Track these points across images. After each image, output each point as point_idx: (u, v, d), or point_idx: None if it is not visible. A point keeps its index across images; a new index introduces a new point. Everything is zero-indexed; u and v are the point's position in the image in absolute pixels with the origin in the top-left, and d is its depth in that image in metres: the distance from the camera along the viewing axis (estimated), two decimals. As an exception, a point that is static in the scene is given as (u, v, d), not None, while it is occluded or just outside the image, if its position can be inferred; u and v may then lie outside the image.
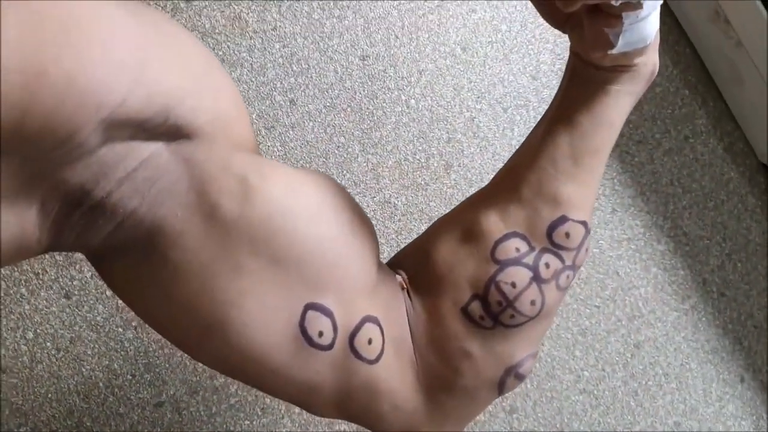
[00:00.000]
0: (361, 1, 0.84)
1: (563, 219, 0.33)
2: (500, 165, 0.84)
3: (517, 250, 0.33)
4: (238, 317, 0.30)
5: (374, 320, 0.33)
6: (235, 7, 0.80)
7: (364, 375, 0.33)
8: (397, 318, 0.35)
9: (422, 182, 0.84)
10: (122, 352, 0.77)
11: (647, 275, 0.91)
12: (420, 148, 0.85)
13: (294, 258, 0.31)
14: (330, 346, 0.32)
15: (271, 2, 0.81)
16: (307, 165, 0.82)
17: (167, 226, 0.30)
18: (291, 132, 0.81)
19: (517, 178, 0.34)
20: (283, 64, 0.81)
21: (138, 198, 0.29)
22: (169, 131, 0.29)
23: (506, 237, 0.33)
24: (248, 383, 0.34)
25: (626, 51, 0.31)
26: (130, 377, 0.77)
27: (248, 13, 0.80)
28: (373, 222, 0.83)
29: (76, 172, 0.27)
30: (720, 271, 0.93)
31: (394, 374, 0.34)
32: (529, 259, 0.33)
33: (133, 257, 0.31)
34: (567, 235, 0.33)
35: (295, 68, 0.82)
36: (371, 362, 0.33)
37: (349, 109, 0.83)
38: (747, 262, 0.94)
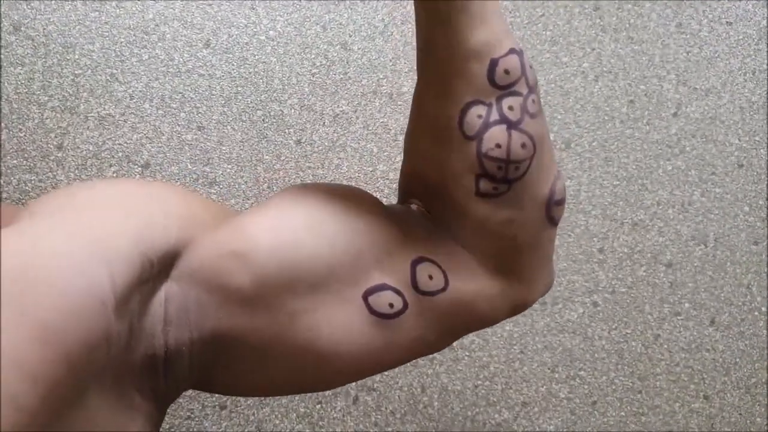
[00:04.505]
0: (140, 108, 0.83)
1: (493, 62, 0.32)
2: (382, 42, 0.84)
3: (479, 116, 0.33)
4: (326, 346, 0.33)
5: (420, 259, 0.35)
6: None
7: (447, 302, 0.35)
8: (436, 240, 0.37)
9: (358, 112, 0.86)
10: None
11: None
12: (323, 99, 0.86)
13: (325, 273, 0.33)
14: (405, 307, 0.35)
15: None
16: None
17: (222, 330, 0.33)
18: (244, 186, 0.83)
19: (433, 64, 0.34)
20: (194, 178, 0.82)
21: (186, 329, 0.32)
22: (161, 268, 0.32)
23: (463, 112, 0.33)
24: (375, 374, 0.38)
25: None
26: None
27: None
28: (367, 168, 0.85)
29: (135, 353, 0.31)
30: None
31: (468, 282, 0.36)
32: (494, 115, 0.33)
33: (222, 366, 0.34)
34: (506, 71, 0.33)
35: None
36: (444, 290, 0.35)
37: (247, 133, 0.84)
38: None
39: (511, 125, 0.33)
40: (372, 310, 0.34)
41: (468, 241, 0.36)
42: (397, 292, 0.35)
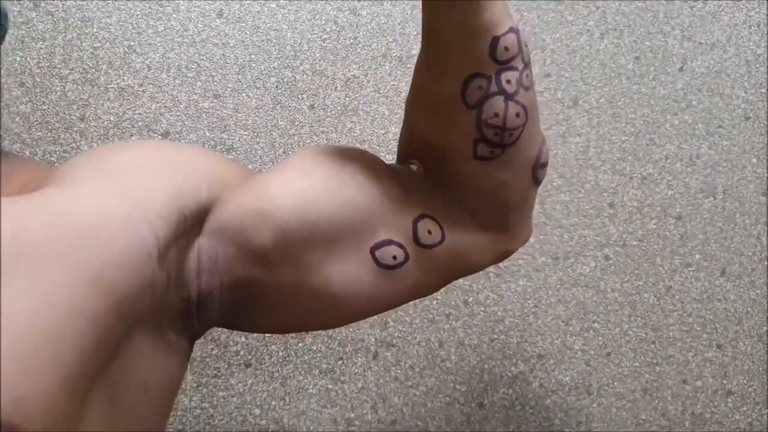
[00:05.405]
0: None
1: (494, 40, 0.35)
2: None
3: (480, 87, 0.36)
4: (338, 293, 0.38)
5: (421, 216, 0.39)
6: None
7: (444, 253, 0.40)
8: (435, 198, 0.41)
9: (367, 75, 0.88)
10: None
11: None
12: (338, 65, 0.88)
13: (339, 230, 0.37)
14: (407, 259, 0.39)
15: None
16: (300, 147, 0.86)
17: (249, 277, 0.36)
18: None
19: (439, 41, 0.36)
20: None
21: (217, 276, 0.36)
22: (194, 223, 0.35)
23: (465, 84, 0.36)
24: (379, 314, 0.42)
25: None
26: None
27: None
28: (379, 131, 0.87)
29: (172, 299, 0.34)
30: None
31: (462, 236, 0.40)
32: (494, 87, 0.36)
33: (247, 307, 0.38)
34: (506, 48, 0.35)
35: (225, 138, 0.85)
36: (441, 242, 0.39)
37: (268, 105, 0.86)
38: None
39: (508, 97, 0.36)
40: (378, 263, 0.38)
41: (467, 201, 0.40)
42: (400, 246, 0.39)
